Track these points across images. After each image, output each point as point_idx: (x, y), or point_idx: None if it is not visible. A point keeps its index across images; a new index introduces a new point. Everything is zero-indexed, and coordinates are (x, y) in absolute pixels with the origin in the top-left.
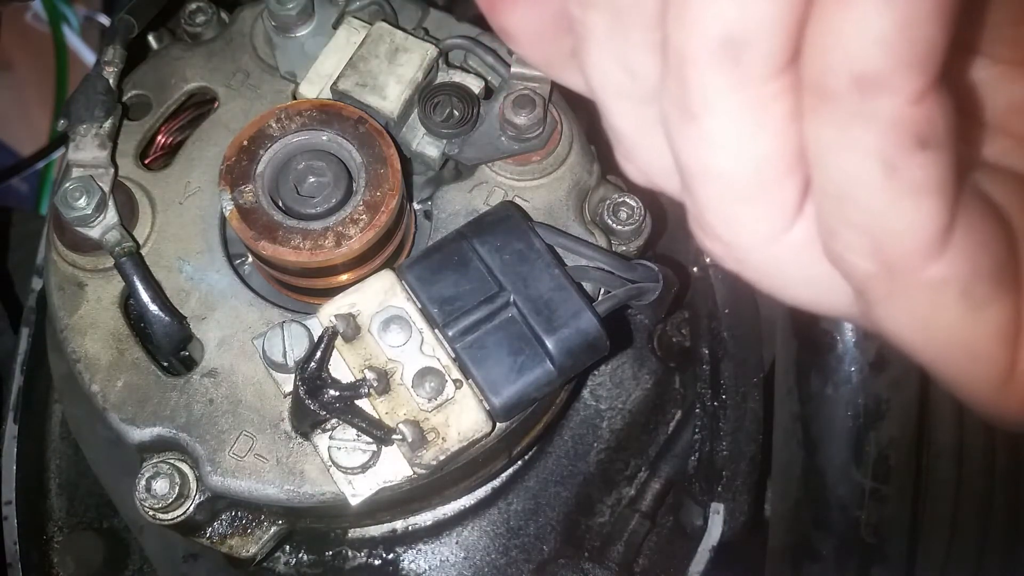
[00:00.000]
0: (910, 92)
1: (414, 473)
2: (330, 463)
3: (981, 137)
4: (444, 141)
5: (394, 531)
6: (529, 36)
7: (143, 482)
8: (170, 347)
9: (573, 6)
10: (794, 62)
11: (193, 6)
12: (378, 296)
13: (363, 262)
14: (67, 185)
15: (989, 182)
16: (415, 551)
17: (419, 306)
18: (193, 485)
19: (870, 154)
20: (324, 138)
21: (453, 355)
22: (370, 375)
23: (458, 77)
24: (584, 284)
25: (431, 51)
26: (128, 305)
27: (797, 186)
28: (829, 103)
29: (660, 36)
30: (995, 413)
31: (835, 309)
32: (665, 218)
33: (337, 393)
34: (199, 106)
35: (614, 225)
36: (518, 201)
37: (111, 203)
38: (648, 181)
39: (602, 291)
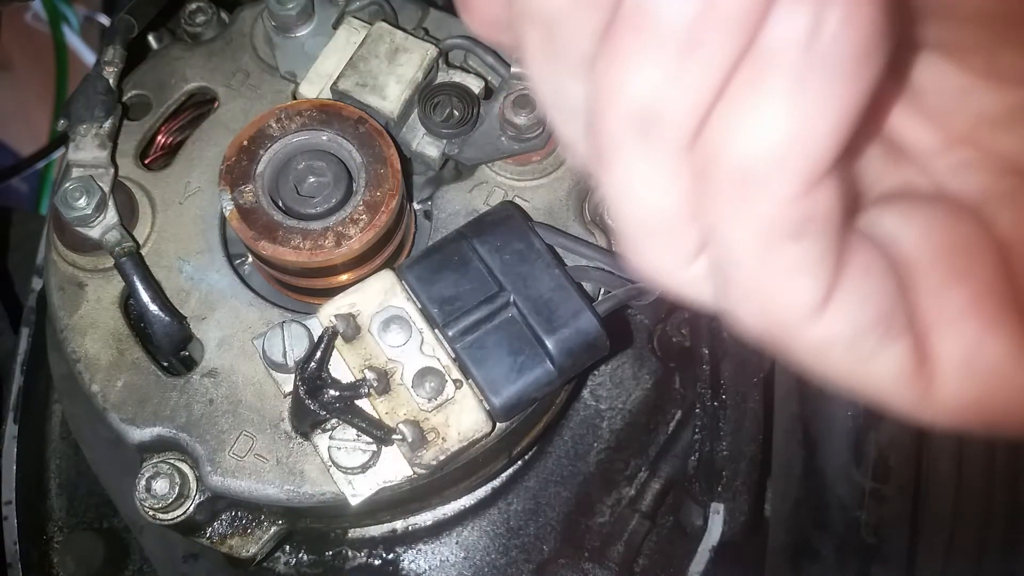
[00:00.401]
0: (790, 193)
1: (414, 473)
2: (330, 463)
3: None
4: (444, 141)
5: (394, 531)
6: (486, 21)
7: (143, 482)
8: (170, 347)
9: (513, 16)
10: (697, 140)
11: (193, 6)
12: (378, 296)
13: (363, 262)
14: (67, 185)
15: (898, 216)
16: (415, 551)
17: (419, 306)
18: (193, 485)
19: (747, 238)
20: (324, 138)
21: (453, 355)
22: (370, 375)
23: (458, 77)
24: (584, 284)
25: (431, 51)
26: (128, 305)
27: (697, 235)
28: (714, 187)
29: (587, 71)
30: (927, 425)
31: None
32: None
33: (337, 393)
34: (199, 106)
35: (614, 225)
36: (518, 201)
37: (111, 203)
38: (586, 169)
39: (602, 291)
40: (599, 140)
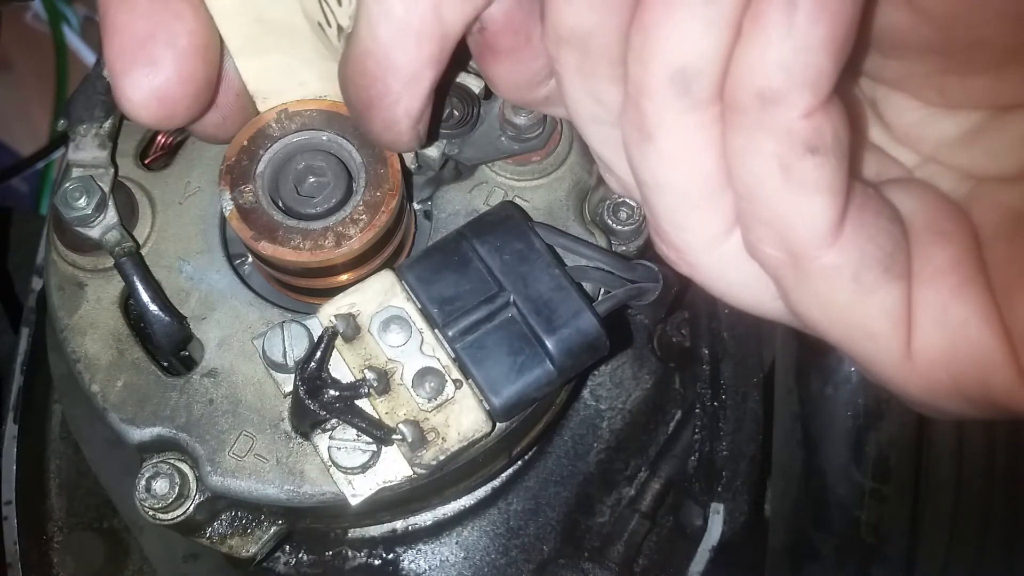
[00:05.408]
0: (802, 108)
1: (414, 473)
2: (330, 463)
3: (889, 151)
4: (444, 141)
5: (394, 531)
6: (509, 87)
7: (143, 482)
8: (170, 347)
9: (549, 44)
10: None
11: None
12: (378, 296)
13: (363, 262)
14: (67, 185)
15: (899, 192)
16: (415, 551)
17: (419, 306)
18: (193, 485)
19: (770, 157)
20: (324, 138)
21: (453, 355)
22: (370, 375)
23: (458, 77)
24: (584, 284)
25: None
26: (128, 305)
27: (731, 201)
28: (740, 115)
29: (621, 71)
30: (903, 391)
31: (769, 310)
32: None
33: (337, 393)
34: None
35: (614, 225)
36: (518, 201)
37: (111, 203)
38: (625, 191)
39: (602, 291)
40: (642, 118)
